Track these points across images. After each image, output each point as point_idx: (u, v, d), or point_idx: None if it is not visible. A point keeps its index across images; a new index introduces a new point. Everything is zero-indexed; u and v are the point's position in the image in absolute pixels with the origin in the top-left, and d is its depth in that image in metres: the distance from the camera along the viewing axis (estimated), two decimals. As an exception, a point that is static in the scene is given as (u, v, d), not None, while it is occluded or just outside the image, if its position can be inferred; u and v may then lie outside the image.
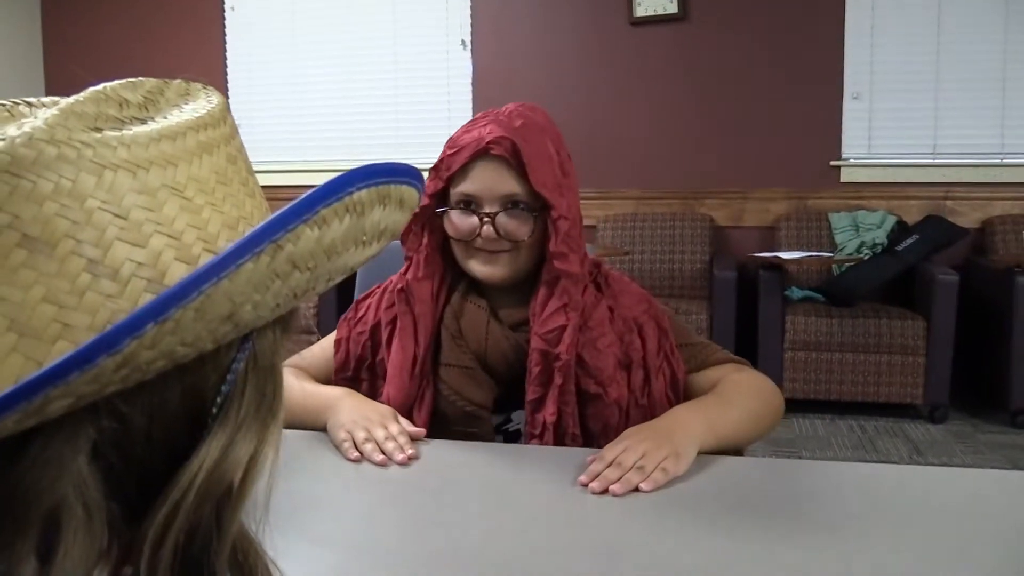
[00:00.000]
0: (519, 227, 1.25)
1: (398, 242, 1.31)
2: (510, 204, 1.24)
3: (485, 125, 1.25)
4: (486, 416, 1.29)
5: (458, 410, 1.28)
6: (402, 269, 1.35)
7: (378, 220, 0.46)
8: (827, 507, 1.02)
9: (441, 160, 1.28)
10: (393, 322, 1.33)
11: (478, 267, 1.28)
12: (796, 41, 4.24)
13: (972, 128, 4.14)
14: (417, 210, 1.26)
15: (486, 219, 1.24)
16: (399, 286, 1.33)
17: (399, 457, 1.15)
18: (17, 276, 0.37)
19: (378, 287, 1.42)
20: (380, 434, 1.18)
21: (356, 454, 1.17)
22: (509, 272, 1.27)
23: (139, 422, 0.41)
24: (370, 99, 4.72)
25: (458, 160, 1.25)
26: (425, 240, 1.31)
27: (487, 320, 1.29)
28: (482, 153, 1.23)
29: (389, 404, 1.28)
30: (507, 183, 1.23)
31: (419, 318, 1.30)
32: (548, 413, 1.23)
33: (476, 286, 1.32)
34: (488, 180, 1.24)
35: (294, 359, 1.44)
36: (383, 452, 1.16)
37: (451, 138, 1.28)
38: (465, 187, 1.25)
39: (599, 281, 1.33)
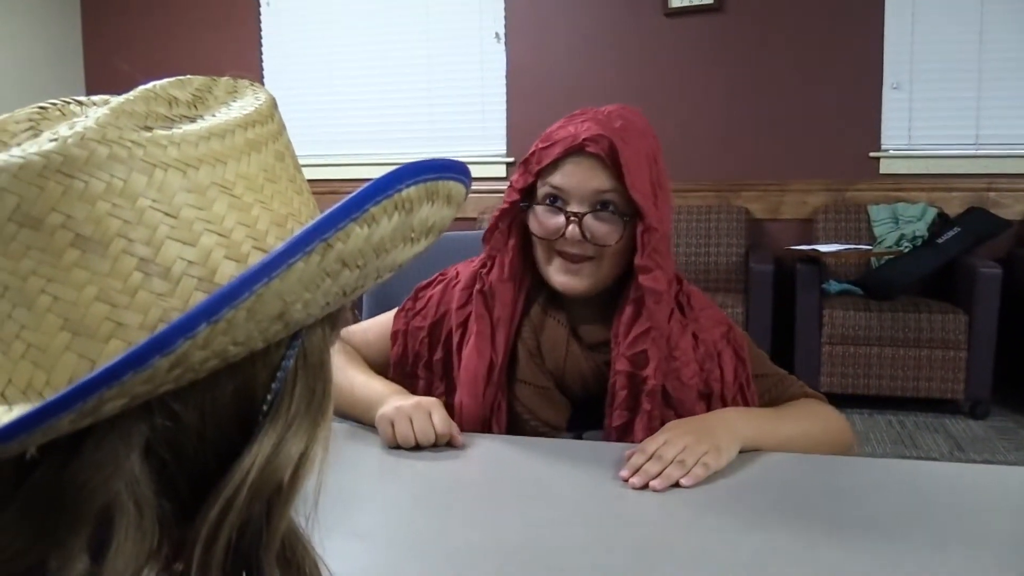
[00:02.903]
0: (608, 232, 1.18)
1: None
2: (599, 205, 1.18)
3: (583, 122, 1.18)
4: (558, 436, 1.25)
5: (531, 428, 1.25)
6: (474, 265, 1.30)
7: (426, 217, 0.46)
8: (867, 504, 1.00)
9: (532, 153, 1.22)
10: (465, 324, 1.28)
11: (557, 275, 1.21)
12: (834, 30, 4.17)
13: (1016, 118, 4.03)
14: (505, 205, 1.24)
15: (573, 218, 1.18)
16: (479, 287, 1.27)
17: (437, 438, 1.15)
18: (70, 275, 0.38)
19: (441, 276, 1.36)
20: (420, 420, 1.17)
21: (395, 443, 1.17)
22: (589, 285, 1.21)
23: (191, 420, 0.41)
24: (404, 93, 4.72)
25: (550, 154, 1.19)
26: (512, 241, 1.25)
27: (567, 339, 1.24)
28: (576, 150, 1.17)
29: (463, 412, 1.25)
30: (599, 179, 1.17)
31: (498, 323, 1.25)
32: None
33: (557, 297, 1.26)
34: (579, 176, 1.18)
35: (345, 334, 1.37)
36: (418, 438, 1.15)
37: (545, 133, 1.22)
38: (554, 180, 1.19)
39: (681, 300, 1.26)
